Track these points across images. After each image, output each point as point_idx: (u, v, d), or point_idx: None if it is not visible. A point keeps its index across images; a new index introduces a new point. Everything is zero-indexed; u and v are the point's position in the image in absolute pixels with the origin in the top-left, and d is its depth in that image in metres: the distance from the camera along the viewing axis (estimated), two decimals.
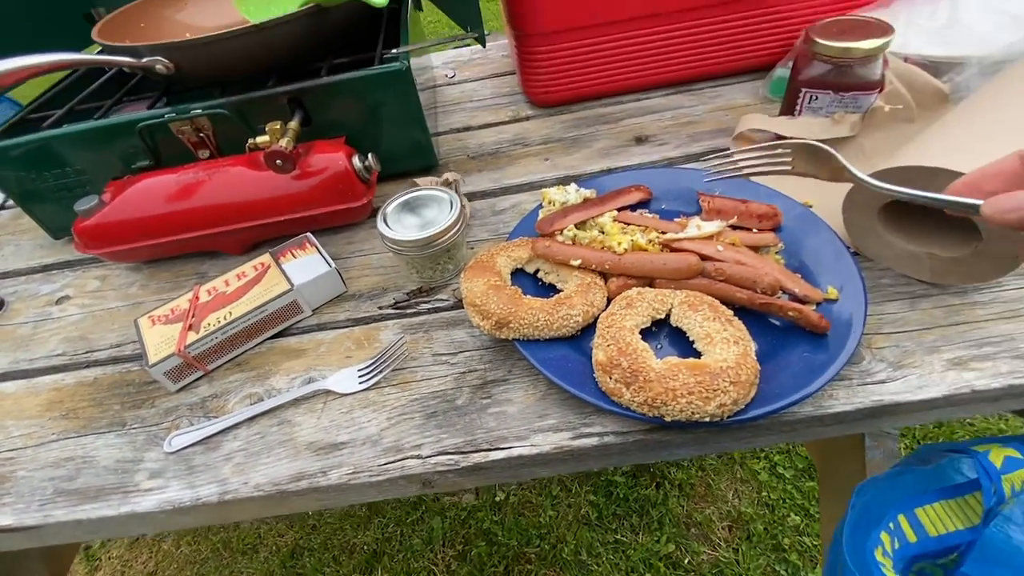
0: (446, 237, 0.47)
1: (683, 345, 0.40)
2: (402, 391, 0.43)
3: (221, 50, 0.53)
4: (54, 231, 0.65)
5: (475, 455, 0.38)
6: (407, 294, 0.51)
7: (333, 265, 0.50)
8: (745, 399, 0.34)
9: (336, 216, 0.56)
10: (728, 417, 0.34)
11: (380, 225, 0.48)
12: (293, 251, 0.52)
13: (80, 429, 0.45)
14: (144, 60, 0.53)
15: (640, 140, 0.63)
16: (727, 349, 0.36)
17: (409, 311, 0.50)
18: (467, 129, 0.72)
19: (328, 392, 0.44)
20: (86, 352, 0.52)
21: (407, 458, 0.38)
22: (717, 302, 0.40)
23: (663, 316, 0.41)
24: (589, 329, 0.42)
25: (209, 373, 0.47)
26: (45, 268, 0.64)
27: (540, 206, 0.52)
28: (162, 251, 0.57)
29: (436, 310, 0.49)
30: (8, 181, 0.59)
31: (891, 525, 0.40)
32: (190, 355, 0.45)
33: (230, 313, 0.47)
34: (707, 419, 0.34)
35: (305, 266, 0.50)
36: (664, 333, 0.42)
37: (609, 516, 1.18)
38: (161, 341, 0.45)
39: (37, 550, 0.79)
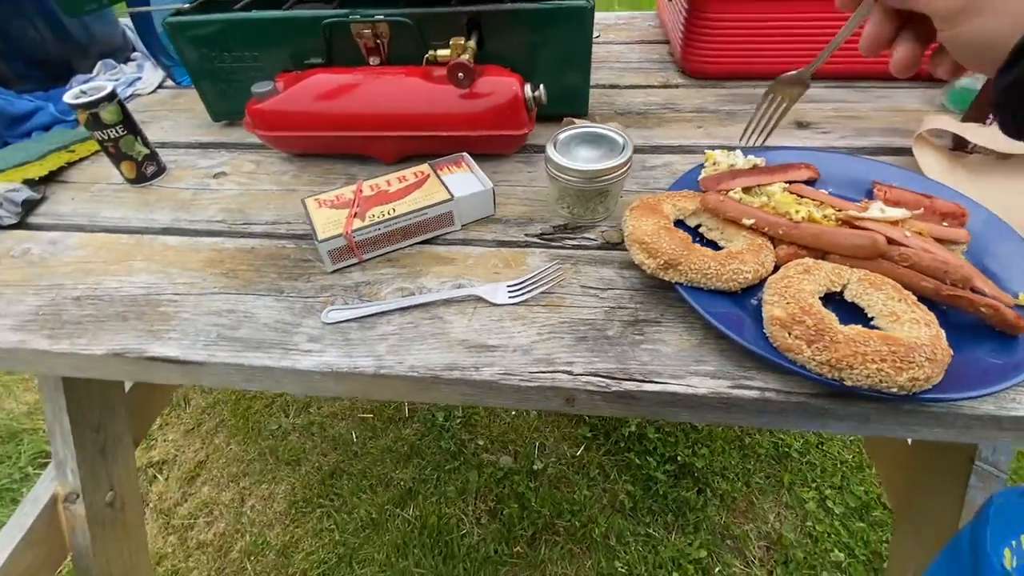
0: (613, 175, 0.47)
1: (856, 322, 0.39)
2: (551, 312, 0.43)
3: None
4: (216, 113, 0.68)
5: (627, 383, 0.38)
6: (553, 228, 0.52)
7: (489, 185, 0.51)
8: (935, 379, 0.33)
9: (494, 142, 0.57)
10: (915, 393, 0.33)
11: (549, 150, 0.48)
12: (450, 167, 0.54)
13: (240, 288, 0.48)
14: None
15: (802, 125, 0.62)
16: (918, 329, 0.35)
17: (554, 244, 0.50)
18: (614, 87, 0.72)
19: (479, 299, 0.45)
20: (244, 224, 0.55)
21: (558, 371, 0.39)
22: (899, 285, 0.39)
23: (837, 290, 0.40)
24: (751, 289, 0.42)
25: (363, 262, 0.49)
26: (202, 145, 0.67)
27: (701, 166, 0.52)
28: (321, 146, 0.60)
29: (583, 247, 0.49)
30: (189, 56, 0.62)
31: (1013, 543, 0.38)
32: (354, 240, 0.47)
33: (393, 209, 0.48)
34: (893, 390, 0.33)
35: (462, 182, 0.52)
36: (831, 308, 0.41)
37: (644, 509, 1.17)
38: (328, 222, 0.47)
39: (125, 408, 0.85)
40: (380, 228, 0.47)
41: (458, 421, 1.34)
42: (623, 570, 1.07)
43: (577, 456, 1.27)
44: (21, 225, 0.57)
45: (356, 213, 0.48)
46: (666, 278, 0.41)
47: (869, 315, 0.38)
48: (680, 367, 0.39)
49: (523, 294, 0.45)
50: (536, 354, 0.40)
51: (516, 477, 1.23)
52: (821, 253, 0.43)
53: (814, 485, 1.20)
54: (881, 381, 0.33)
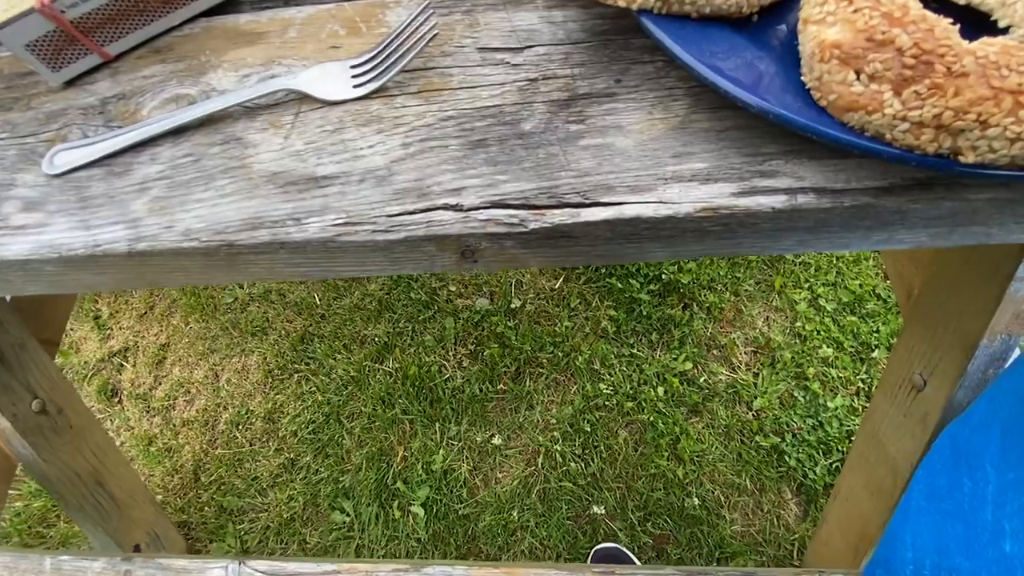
0: None
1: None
2: (428, 103, 0.25)
3: None
4: None
5: (557, 212, 0.22)
6: None
7: None
8: None
9: None
10: None
11: None
12: None
13: None
14: None
15: None
16: None
17: None
18: None
19: (303, 97, 0.26)
20: None
21: (437, 208, 0.22)
22: None
23: None
24: (773, 14, 0.23)
25: (111, 60, 0.29)
26: None
27: None
28: None
29: None
30: None
31: None
32: (65, 18, 0.26)
33: None
34: None
35: None
36: None
37: (628, 331, 1.13)
38: None
39: (13, 314, 0.72)
40: None
41: None
42: (608, 391, 1.06)
43: (556, 288, 1.19)
44: None
45: None
46: (622, 3, 0.22)
47: (1001, 23, 0.20)
48: (647, 171, 0.22)
49: (376, 77, 0.25)
50: (400, 182, 0.23)
51: (494, 318, 1.16)
52: None
53: (807, 285, 1.13)
54: None
